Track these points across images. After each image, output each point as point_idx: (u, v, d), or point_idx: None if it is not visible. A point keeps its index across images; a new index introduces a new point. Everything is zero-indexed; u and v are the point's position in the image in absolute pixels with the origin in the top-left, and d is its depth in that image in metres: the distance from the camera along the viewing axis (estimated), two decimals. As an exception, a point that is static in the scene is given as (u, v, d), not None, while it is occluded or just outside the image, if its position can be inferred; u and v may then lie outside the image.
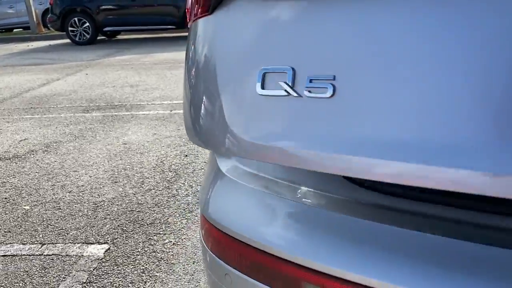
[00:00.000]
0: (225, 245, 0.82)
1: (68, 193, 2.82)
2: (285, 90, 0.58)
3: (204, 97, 0.76)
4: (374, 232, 0.66)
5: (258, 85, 0.62)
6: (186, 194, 2.73)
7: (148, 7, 10.61)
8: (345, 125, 0.54)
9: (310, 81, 0.56)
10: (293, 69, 0.58)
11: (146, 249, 2.17)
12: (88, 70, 7.29)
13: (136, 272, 2.00)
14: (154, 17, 10.65)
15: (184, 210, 2.53)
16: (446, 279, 0.57)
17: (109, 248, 2.19)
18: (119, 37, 12.15)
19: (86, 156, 3.44)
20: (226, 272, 0.83)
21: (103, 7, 10.51)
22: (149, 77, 6.51)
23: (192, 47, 0.84)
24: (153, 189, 2.82)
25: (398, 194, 0.69)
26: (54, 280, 1.97)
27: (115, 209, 2.59)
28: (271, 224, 0.78)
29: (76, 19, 10.62)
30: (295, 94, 0.57)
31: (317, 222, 0.72)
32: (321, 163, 0.58)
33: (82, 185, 2.93)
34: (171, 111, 4.62)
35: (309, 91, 0.56)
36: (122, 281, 1.94)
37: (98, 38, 11.19)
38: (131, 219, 2.46)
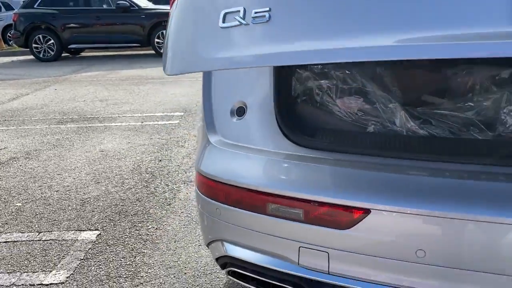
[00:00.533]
0: (215, 189, 1.27)
1: (55, 192, 3.15)
2: (238, 21, 1.00)
3: (184, 37, 1.16)
4: (298, 170, 1.14)
5: (221, 21, 1.05)
6: (164, 191, 3.12)
7: (113, 25, 10.90)
8: (277, 36, 0.96)
9: (255, 12, 1.00)
10: (244, 8, 1.02)
11: (132, 233, 2.55)
12: (57, 86, 7.50)
13: (126, 250, 2.38)
14: (119, 35, 10.94)
15: (163, 203, 2.93)
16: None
17: (100, 234, 2.56)
18: (83, 54, 12.31)
19: (67, 162, 3.76)
20: (216, 207, 1.28)
21: (68, 24, 10.71)
22: (117, 92, 6.83)
23: (175, 9, 1.19)
24: (133, 188, 3.20)
25: (311, 147, 1.19)
26: (55, 258, 2.32)
27: (101, 204, 2.95)
28: (245, 171, 1.24)
29: (40, 36, 10.74)
30: (244, 23, 1.01)
31: (271, 167, 1.19)
32: (261, 60, 1.01)
33: (68, 186, 3.26)
34: (142, 122, 4.99)
35: (254, 19, 1.00)
36: (115, 257, 2.31)
37: (62, 55, 11.33)
38: (117, 211, 2.83)
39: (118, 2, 10.82)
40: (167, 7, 12.13)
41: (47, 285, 2.12)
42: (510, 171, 1.03)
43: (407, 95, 1.31)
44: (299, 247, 1.14)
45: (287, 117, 1.27)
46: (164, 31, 10.76)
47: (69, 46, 11.07)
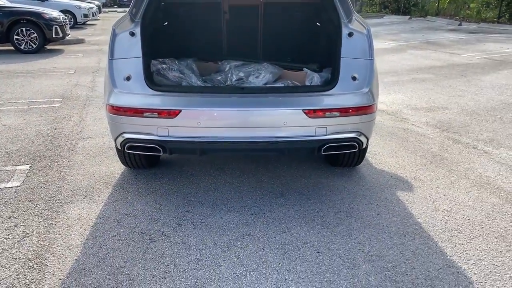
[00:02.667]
0: (118, 110, 3.05)
1: (-18, 149, 4.42)
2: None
3: None
4: (153, 99, 3.02)
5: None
6: (65, 144, 4.64)
7: (-33, 21, 11.07)
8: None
9: None
10: None
11: (53, 164, 4.08)
12: None
13: (52, 171, 3.92)
14: (-26, 32, 11.16)
15: (68, 149, 4.47)
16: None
17: (30, 166, 4.03)
18: None
19: (-22, 133, 4.93)
20: (120, 118, 3.06)
21: None
22: (-8, 84, 7.67)
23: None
24: (42, 144, 4.63)
25: (159, 90, 3.06)
26: (6, 177, 3.75)
27: (22, 153, 4.35)
28: (131, 101, 3.04)
29: None
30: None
31: (142, 99, 3.03)
32: None
33: (-11, 146, 4.54)
34: (28, 106, 6.19)
35: None
36: (47, 174, 3.84)
37: None
38: (36, 155, 4.29)
39: (-28, -1, 11.05)
40: (25, 5, 12.55)
41: (8, 187, 3.58)
42: (233, 96, 3.05)
43: (200, 72, 3.27)
44: (157, 128, 2.99)
45: (148, 80, 3.10)
46: (24, 28, 11.38)
47: None
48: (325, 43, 3.60)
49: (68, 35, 12.73)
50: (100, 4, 31.28)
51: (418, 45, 12.63)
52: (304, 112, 2.98)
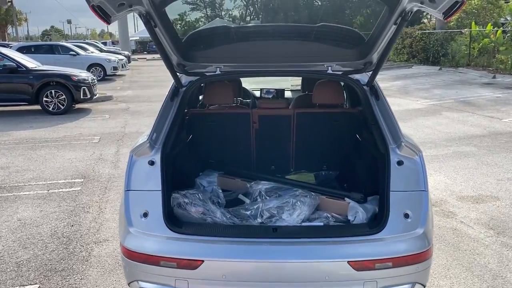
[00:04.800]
0: (133, 255, 2.65)
1: (-9, 259, 4.10)
2: None
3: None
4: (173, 244, 2.61)
5: None
6: (80, 251, 4.28)
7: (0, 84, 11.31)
8: None
9: None
10: None
11: (64, 284, 3.69)
12: (-52, 152, 7.88)
13: (62, 295, 3.53)
14: (7, 94, 11.38)
15: (82, 260, 4.10)
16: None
17: (39, 286, 3.65)
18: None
19: (-9, 232, 4.65)
20: (135, 263, 2.66)
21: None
22: (15, 158, 7.55)
23: None
24: (55, 250, 4.29)
25: (180, 232, 2.65)
26: (11, 306, 3.38)
27: (33, 264, 4.00)
28: (148, 246, 2.64)
29: None
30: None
31: (161, 243, 2.63)
32: None
33: (0, 252, 4.22)
34: (48, 190, 5.95)
35: None
36: (55, 301, 3.46)
37: None
38: (47, 269, 3.92)
39: (5, 64, 11.32)
40: (54, 67, 12.77)
41: (11, 324, 3.20)
42: (265, 242, 2.61)
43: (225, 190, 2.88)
44: (175, 279, 2.57)
45: (168, 218, 2.71)
46: (52, 91, 11.50)
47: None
48: (369, 165, 3.17)
49: (95, 96, 12.81)
50: (129, 54, 32.19)
51: (453, 106, 12.08)
52: (350, 265, 2.51)
